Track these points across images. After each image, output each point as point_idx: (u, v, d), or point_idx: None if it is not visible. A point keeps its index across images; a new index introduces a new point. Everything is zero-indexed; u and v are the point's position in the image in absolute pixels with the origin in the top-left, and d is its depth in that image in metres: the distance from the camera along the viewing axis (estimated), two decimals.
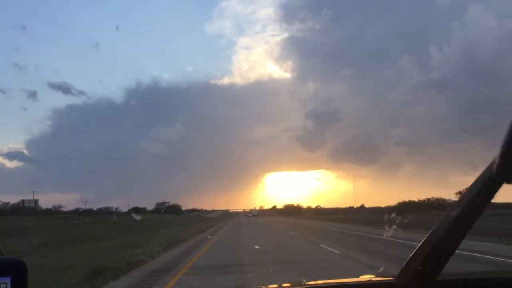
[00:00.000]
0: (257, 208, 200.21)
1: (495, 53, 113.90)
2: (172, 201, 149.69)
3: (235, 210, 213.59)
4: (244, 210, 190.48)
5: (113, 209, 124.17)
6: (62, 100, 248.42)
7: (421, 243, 1.08)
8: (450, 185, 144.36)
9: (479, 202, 0.96)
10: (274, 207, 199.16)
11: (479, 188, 0.94)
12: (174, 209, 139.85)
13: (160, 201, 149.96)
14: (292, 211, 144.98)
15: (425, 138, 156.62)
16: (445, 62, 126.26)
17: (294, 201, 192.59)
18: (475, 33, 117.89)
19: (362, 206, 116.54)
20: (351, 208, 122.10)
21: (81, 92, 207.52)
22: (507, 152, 0.79)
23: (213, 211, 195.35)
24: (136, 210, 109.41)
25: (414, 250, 1.11)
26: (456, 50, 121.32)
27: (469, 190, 0.98)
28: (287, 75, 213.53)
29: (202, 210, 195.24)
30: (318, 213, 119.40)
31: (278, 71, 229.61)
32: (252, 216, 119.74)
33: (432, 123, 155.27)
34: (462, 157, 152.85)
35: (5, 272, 0.99)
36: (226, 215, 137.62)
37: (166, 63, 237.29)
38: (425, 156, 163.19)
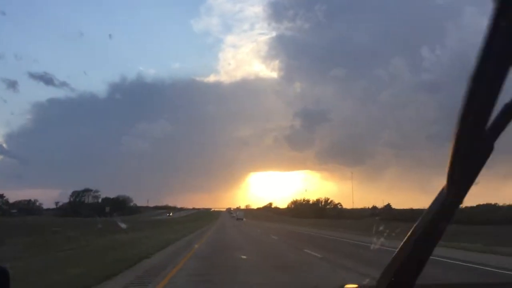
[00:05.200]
0: (242, 207, 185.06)
1: None
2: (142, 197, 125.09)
3: (217, 209, 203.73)
4: (230, 208, 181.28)
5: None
6: (44, 91, 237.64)
7: (392, 256, 1.11)
8: (435, 189, 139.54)
9: (439, 221, 0.99)
10: (269, 205, 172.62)
11: (436, 208, 0.97)
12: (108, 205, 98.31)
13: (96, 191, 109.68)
14: (312, 211, 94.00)
15: (413, 141, 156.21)
16: (437, 63, 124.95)
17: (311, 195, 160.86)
18: (468, 36, 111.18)
19: (389, 206, 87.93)
20: (375, 209, 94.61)
21: (63, 84, 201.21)
22: (452, 172, 0.84)
23: (183, 209, 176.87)
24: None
25: (388, 263, 1.13)
26: (448, 52, 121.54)
27: (428, 211, 1.00)
28: (274, 74, 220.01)
29: (176, 208, 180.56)
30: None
31: (265, 70, 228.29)
32: (238, 219, 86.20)
33: (421, 126, 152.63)
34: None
35: None
36: (206, 216, 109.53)
37: (152, 59, 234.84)
38: (413, 159, 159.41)
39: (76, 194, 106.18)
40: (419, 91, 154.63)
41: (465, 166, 0.83)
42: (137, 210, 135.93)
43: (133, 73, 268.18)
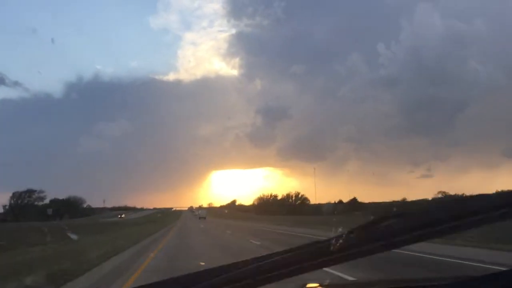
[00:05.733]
0: (205, 206, 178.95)
1: (441, 53, 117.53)
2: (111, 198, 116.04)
3: (179, 208, 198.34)
4: (192, 207, 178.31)
5: None
6: None
7: None
8: (391, 182, 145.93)
9: None
10: (233, 202, 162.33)
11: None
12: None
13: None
14: (282, 207, 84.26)
15: (371, 136, 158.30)
16: (393, 59, 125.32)
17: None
18: (422, 32, 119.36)
19: (355, 200, 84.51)
20: (341, 203, 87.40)
21: (16, 83, 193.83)
22: None
23: (143, 209, 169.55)
24: None
25: None
26: (403, 48, 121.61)
27: None
28: (235, 72, 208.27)
29: (136, 208, 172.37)
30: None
31: (225, 67, 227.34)
32: (200, 217, 79.01)
33: (379, 120, 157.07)
34: (405, 154, 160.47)
35: None
36: (166, 216, 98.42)
37: (109, 57, 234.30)
38: (371, 153, 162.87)
39: (17, 196, 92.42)
40: (376, 86, 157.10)
41: None
42: (92, 211, 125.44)
43: (90, 72, 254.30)
